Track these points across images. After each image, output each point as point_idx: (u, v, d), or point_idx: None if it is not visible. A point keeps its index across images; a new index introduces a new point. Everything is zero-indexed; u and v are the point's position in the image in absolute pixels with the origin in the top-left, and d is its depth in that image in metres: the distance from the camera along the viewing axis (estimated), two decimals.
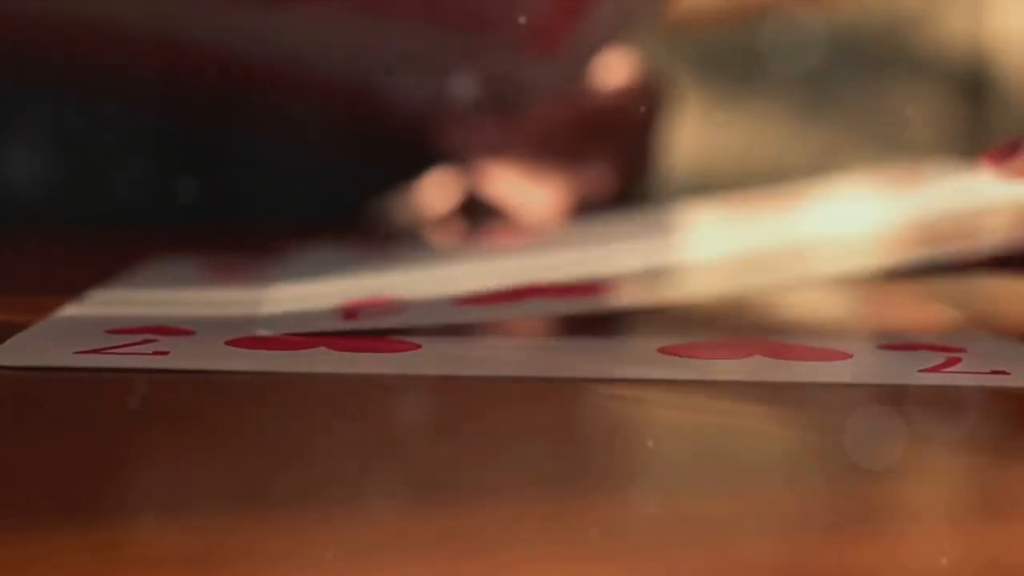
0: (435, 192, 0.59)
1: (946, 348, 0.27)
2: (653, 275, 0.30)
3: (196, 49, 0.49)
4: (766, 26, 0.96)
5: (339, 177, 0.58)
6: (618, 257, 0.32)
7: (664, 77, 0.59)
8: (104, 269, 0.37)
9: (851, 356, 0.25)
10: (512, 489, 0.16)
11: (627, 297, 0.27)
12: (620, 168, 0.57)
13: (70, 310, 0.29)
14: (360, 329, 0.27)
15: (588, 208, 0.56)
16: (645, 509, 0.16)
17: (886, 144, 0.95)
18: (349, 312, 0.28)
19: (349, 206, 0.58)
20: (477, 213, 0.57)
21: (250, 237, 0.46)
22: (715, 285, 0.27)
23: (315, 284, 0.33)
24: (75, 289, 0.32)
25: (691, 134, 0.97)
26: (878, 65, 0.96)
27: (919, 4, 0.95)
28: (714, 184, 0.98)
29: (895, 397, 0.22)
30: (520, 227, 0.53)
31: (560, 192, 0.55)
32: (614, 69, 0.56)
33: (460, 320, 0.26)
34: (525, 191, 0.55)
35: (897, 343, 0.27)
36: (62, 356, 0.24)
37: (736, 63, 0.97)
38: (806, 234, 0.32)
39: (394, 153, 0.58)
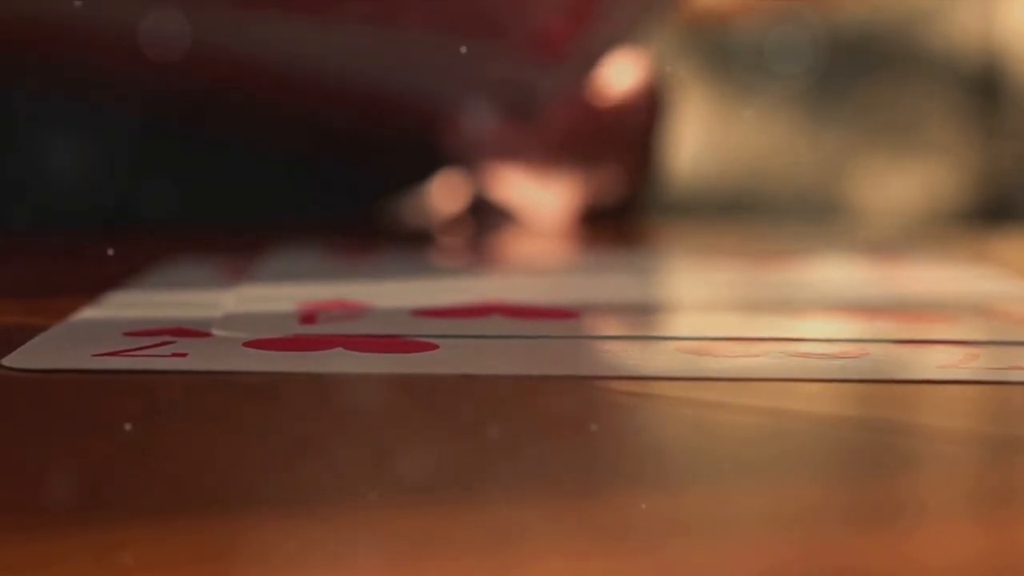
0: (445, 194, 0.59)
1: (963, 343, 0.26)
2: (621, 310, 0.31)
3: (207, 55, 0.50)
4: (775, 25, 0.96)
5: (348, 180, 0.58)
6: (592, 289, 0.34)
7: (671, 77, 0.59)
8: (121, 271, 0.37)
9: (869, 353, 0.25)
10: (530, 487, 0.16)
11: (593, 327, 0.28)
12: (627, 170, 0.57)
13: (87, 312, 0.29)
14: (321, 333, 0.27)
15: (593, 208, 0.56)
16: (664, 506, 0.16)
17: (897, 144, 0.95)
18: (307, 316, 0.29)
19: (358, 208, 0.58)
20: (487, 215, 0.57)
21: (259, 238, 0.46)
22: (686, 330, 0.28)
23: (277, 287, 0.33)
24: (92, 291, 0.32)
25: (698, 134, 0.97)
26: (888, 64, 0.95)
27: (930, 3, 0.95)
28: (721, 185, 0.98)
29: (914, 392, 0.22)
30: (530, 229, 0.53)
31: (569, 194, 0.55)
32: (621, 71, 0.56)
33: (417, 332, 0.27)
34: (534, 193, 0.55)
35: (914, 339, 0.27)
36: (80, 358, 0.24)
37: (744, 62, 0.97)
38: (781, 298, 0.33)
39: (404, 156, 0.58)
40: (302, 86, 0.52)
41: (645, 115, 0.57)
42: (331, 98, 0.53)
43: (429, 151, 0.56)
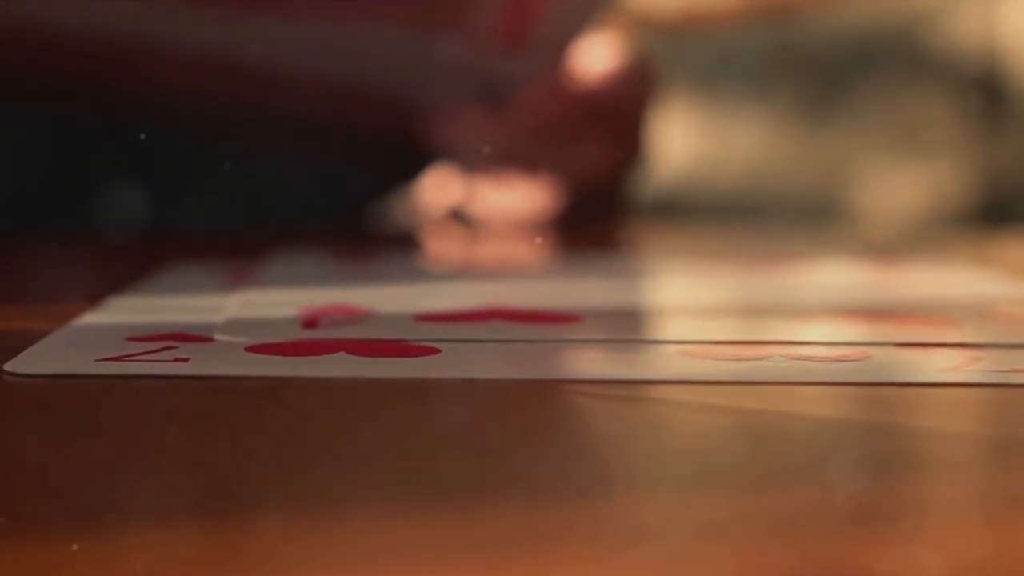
0: (432, 193, 0.59)
1: (965, 346, 0.26)
2: (622, 314, 0.31)
3: (182, 56, 0.50)
4: (776, 27, 0.96)
5: (334, 180, 0.58)
6: (591, 293, 0.34)
7: (654, 67, 0.58)
8: (122, 276, 0.37)
9: (871, 356, 0.25)
10: (533, 491, 0.16)
11: (591, 331, 0.28)
12: (612, 159, 0.57)
13: (90, 317, 0.29)
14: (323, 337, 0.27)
15: (576, 199, 0.56)
16: (666, 508, 0.16)
17: (898, 146, 0.95)
18: (309, 321, 0.29)
19: (345, 209, 0.58)
20: (472, 214, 0.57)
21: (257, 242, 0.46)
22: (680, 334, 0.28)
23: (279, 291, 0.34)
24: (95, 296, 0.33)
25: (697, 135, 0.97)
26: (890, 66, 0.95)
27: (931, 5, 0.95)
28: (721, 187, 0.98)
29: (916, 395, 0.22)
30: (516, 226, 0.54)
31: (552, 189, 0.55)
32: (594, 55, 0.56)
33: (419, 337, 0.27)
34: (519, 190, 0.55)
35: (915, 342, 0.27)
36: (83, 363, 0.24)
37: (745, 63, 0.97)
38: (777, 300, 0.33)
39: (388, 154, 0.58)
40: (273, 84, 0.52)
41: (627, 97, 0.57)
42: (304, 95, 0.53)
43: (412, 148, 0.56)
